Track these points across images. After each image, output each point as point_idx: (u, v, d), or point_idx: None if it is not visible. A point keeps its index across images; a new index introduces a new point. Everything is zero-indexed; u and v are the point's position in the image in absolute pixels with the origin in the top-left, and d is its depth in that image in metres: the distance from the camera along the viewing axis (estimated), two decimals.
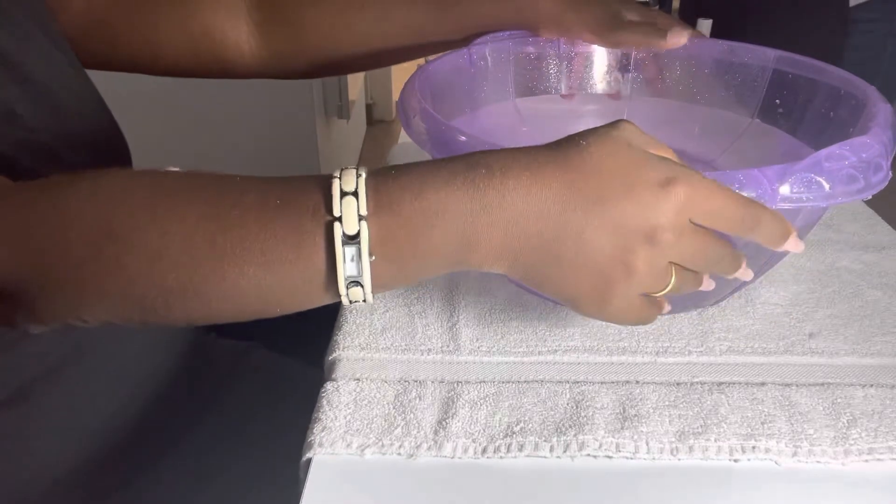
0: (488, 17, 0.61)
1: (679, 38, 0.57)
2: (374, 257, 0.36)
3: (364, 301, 0.38)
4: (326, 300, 0.39)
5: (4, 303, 0.38)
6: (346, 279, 0.36)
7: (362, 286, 0.37)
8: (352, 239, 0.36)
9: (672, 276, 0.38)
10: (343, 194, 0.36)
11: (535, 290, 0.41)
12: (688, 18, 0.89)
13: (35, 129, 0.49)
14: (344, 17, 0.62)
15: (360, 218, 0.35)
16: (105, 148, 0.56)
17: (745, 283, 0.53)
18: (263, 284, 0.37)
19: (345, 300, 0.38)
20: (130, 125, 0.62)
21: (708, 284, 0.41)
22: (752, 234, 0.38)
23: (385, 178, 0.37)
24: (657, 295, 0.39)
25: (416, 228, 0.36)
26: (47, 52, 0.52)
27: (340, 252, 0.36)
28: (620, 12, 0.59)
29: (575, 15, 0.60)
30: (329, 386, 0.45)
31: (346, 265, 0.36)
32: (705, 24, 0.82)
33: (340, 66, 0.67)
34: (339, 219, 0.35)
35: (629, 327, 0.51)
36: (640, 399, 0.44)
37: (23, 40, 0.50)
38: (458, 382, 0.46)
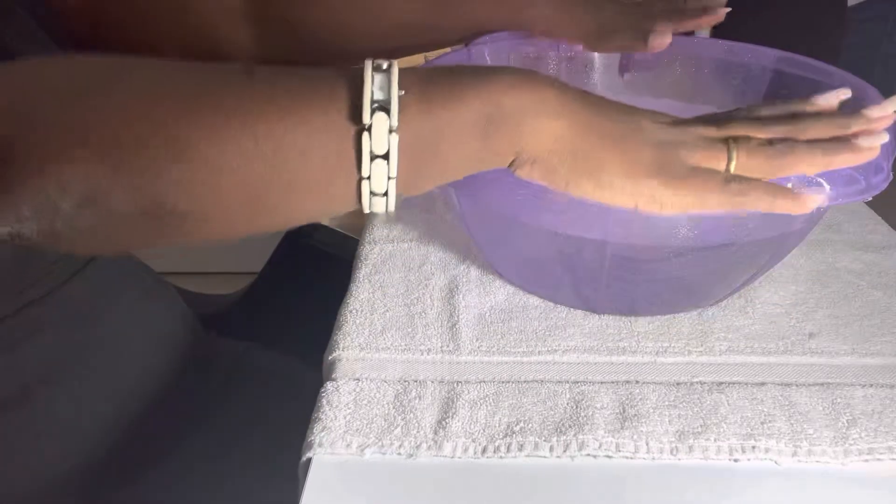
0: (483, 19, 0.61)
1: (661, 41, 0.56)
2: (402, 92, 0.34)
3: (385, 198, 0.35)
4: (349, 151, 0.34)
5: None
6: (371, 102, 0.33)
7: (388, 119, 0.34)
8: (383, 70, 0.34)
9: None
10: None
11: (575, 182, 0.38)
12: None
13: None
14: (339, 15, 0.62)
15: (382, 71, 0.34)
16: None
17: (745, 283, 0.53)
18: (276, 131, 0.33)
19: (367, 148, 0.34)
20: None
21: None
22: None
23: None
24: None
25: (445, 92, 0.36)
26: (52, 50, 0.52)
27: (369, 76, 0.34)
28: (610, 19, 0.59)
29: (565, 22, 0.60)
30: (329, 386, 0.45)
31: (374, 91, 0.34)
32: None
33: (335, 61, 0.67)
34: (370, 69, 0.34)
35: (629, 327, 0.51)
36: (640, 399, 0.44)
37: (29, 40, 0.50)
38: (457, 382, 0.46)
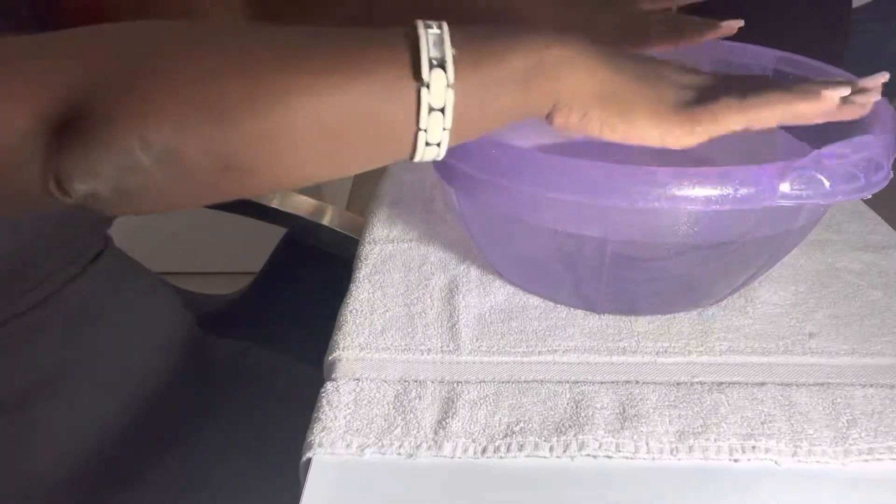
0: (471, 10, 0.60)
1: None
2: (454, 50, 0.37)
3: (439, 144, 0.38)
4: (410, 104, 0.37)
5: (59, 136, 0.34)
6: (429, 60, 0.36)
7: (445, 75, 0.36)
8: (435, 27, 0.37)
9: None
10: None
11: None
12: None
13: None
14: (328, 8, 0.62)
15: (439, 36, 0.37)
16: None
17: (745, 283, 0.53)
18: (347, 87, 0.36)
19: (425, 102, 0.37)
20: None
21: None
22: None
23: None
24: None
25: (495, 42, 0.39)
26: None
27: (423, 34, 0.36)
28: (603, 31, 0.58)
29: (561, 25, 0.58)
30: (329, 386, 0.45)
31: (430, 48, 0.36)
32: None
33: None
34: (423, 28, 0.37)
35: (629, 327, 0.51)
36: (640, 399, 0.44)
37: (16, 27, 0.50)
38: (457, 382, 0.46)
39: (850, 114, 0.41)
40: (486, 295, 0.54)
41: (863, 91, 0.42)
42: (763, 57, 0.61)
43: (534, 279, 0.54)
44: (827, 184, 0.41)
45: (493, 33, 0.39)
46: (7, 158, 0.34)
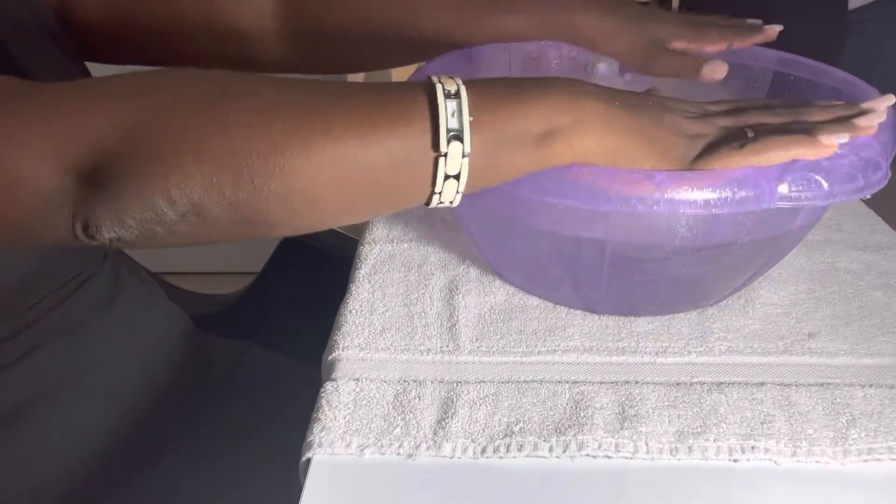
0: (519, 30, 0.58)
1: (716, 71, 0.54)
2: (472, 118, 0.38)
3: (456, 181, 0.39)
4: (426, 171, 0.39)
5: (85, 188, 0.36)
6: (447, 132, 0.38)
7: (462, 146, 0.38)
8: (453, 96, 0.38)
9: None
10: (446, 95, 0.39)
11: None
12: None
13: None
14: (370, 10, 0.61)
15: (457, 89, 0.39)
16: None
17: (745, 283, 0.53)
18: (366, 151, 0.38)
19: (441, 171, 0.39)
20: None
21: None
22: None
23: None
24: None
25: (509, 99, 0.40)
26: (73, 71, 0.53)
27: (442, 104, 0.38)
28: (659, 41, 0.55)
29: (608, 44, 0.57)
30: (328, 386, 0.45)
31: (448, 119, 0.38)
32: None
33: (366, 62, 0.66)
34: (440, 82, 0.39)
35: (628, 327, 0.51)
36: (640, 399, 0.44)
37: (50, 61, 0.50)
38: (457, 382, 0.46)
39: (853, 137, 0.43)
40: (485, 295, 0.54)
41: (868, 113, 0.43)
42: (764, 58, 0.61)
43: (533, 280, 0.54)
44: (825, 185, 0.41)
45: (508, 96, 0.41)
46: (35, 205, 0.36)
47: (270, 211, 0.37)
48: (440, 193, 0.40)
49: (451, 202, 0.41)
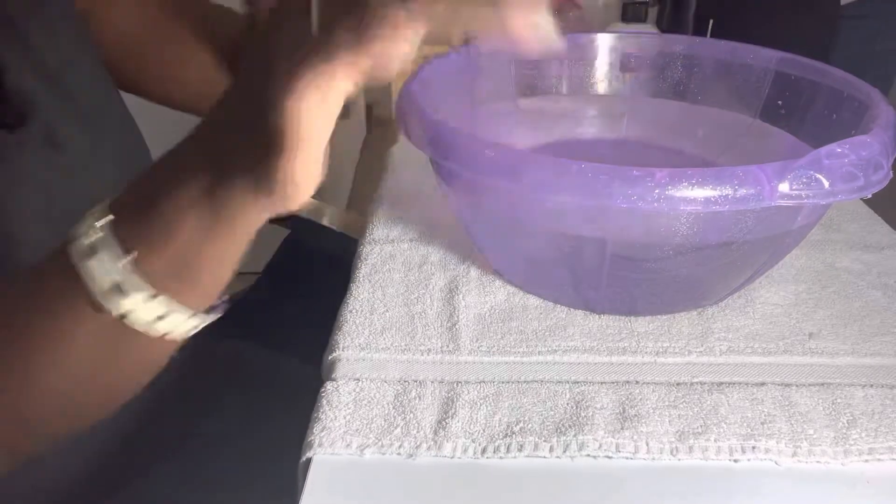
0: None
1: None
2: (129, 265, 0.33)
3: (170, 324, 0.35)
4: (134, 348, 0.36)
5: None
6: (103, 294, 0.33)
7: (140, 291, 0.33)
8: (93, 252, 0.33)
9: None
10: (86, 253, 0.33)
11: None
12: (682, 17, 0.89)
13: (68, 149, 0.50)
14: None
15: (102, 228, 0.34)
16: (129, 163, 0.56)
17: (745, 283, 0.53)
18: (64, 355, 0.35)
19: (150, 323, 0.34)
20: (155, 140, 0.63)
21: None
22: None
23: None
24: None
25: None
26: (90, 71, 0.53)
27: (84, 272, 0.33)
28: None
29: None
30: (329, 386, 0.45)
31: (99, 269, 0.32)
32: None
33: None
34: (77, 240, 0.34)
35: (629, 327, 0.51)
36: (640, 399, 0.44)
37: (70, 62, 0.51)
38: (457, 382, 0.46)
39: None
40: (486, 295, 0.54)
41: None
42: (765, 58, 0.61)
43: (533, 280, 0.54)
44: (826, 183, 0.41)
45: (147, 210, 0.34)
46: None
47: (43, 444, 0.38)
48: (166, 334, 0.35)
49: (195, 326, 0.36)
